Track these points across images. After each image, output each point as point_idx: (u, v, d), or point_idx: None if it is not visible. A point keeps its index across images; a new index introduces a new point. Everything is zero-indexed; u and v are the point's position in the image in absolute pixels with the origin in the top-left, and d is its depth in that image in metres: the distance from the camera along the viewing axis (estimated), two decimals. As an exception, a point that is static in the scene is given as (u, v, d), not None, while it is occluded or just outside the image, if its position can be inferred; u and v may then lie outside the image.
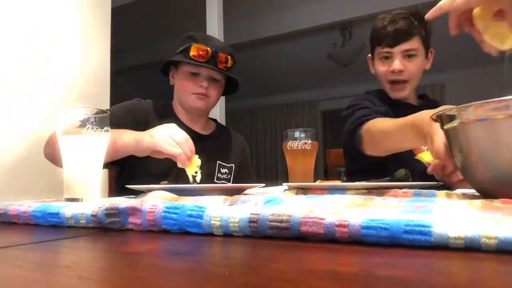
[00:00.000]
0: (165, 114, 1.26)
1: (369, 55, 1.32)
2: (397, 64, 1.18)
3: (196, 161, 0.94)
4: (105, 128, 0.68)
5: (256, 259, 0.30)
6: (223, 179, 1.30)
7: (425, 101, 1.32)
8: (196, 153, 1.13)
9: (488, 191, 0.54)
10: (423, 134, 0.76)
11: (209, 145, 1.30)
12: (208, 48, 1.19)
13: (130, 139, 0.95)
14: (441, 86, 5.16)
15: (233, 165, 1.34)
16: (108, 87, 1.90)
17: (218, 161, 1.30)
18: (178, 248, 0.34)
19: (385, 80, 1.23)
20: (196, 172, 0.93)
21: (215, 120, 1.45)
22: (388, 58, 1.21)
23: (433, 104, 1.24)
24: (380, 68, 1.23)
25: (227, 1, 2.95)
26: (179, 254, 0.32)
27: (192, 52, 1.19)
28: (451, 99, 5.20)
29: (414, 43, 1.19)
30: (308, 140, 0.97)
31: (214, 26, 2.81)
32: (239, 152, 1.40)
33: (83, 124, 0.66)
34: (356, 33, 4.16)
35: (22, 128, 1.55)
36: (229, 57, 1.24)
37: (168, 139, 0.90)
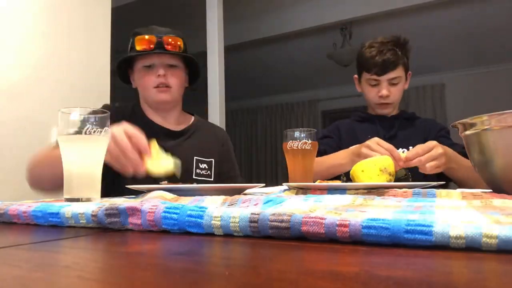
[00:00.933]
0: (135, 116, 1.20)
1: (355, 76, 1.48)
2: (384, 91, 1.36)
3: (165, 161, 0.80)
4: (105, 128, 0.68)
5: (256, 259, 0.30)
6: (203, 175, 1.25)
7: (403, 113, 1.47)
8: (169, 150, 1.11)
9: (504, 188, 0.63)
10: (357, 151, 1.09)
11: (183, 140, 1.25)
12: (151, 36, 1.16)
13: None
14: (441, 86, 5.17)
15: (213, 160, 1.28)
16: (108, 87, 1.91)
17: (195, 157, 1.24)
18: (178, 248, 0.34)
19: (372, 102, 1.42)
20: (172, 175, 0.82)
21: (193, 114, 1.38)
22: (375, 84, 1.38)
23: (408, 115, 1.44)
24: (369, 93, 1.41)
25: (227, 1, 2.95)
26: (179, 254, 0.32)
27: (137, 46, 1.16)
28: (451, 99, 5.23)
29: (398, 72, 1.35)
30: (308, 140, 0.97)
31: (214, 26, 2.81)
32: (219, 145, 1.34)
33: (83, 124, 0.65)
34: (356, 33, 4.16)
35: (22, 129, 1.55)
36: (178, 38, 1.19)
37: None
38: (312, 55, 4.65)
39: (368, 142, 1.08)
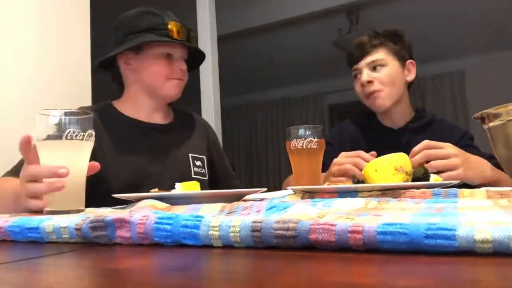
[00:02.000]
0: (107, 116, 1.19)
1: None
2: (364, 75, 1.32)
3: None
4: (89, 131, 0.67)
5: (260, 272, 0.30)
6: (199, 173, 1.25)
7: (416, 119, 1.40)
8: (162, 146, 1.10)
9: None
10: (330, 172, 1.12)
11: (174, 135, 1.26)
12: (181, 25, 1.16)
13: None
14: (461, 73, 5.17)
15: (204, 157, 1.29)
16: (89, 86, 1.90)
17: (190, 154, 1.25)
18: (173, 263, 0.34)
19: (362, 97, 1.37)
20: None
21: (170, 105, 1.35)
22: (358, 75, 1.35)
23: (423, 122, 1.37)
24: (356, 88, 1.38)
25: (219, -14, 2.95)
26: (174, 269, 0.32)
27: (173, 29, 1.14)
28: (471, 87, 5.22)
29: (377, 54, 1.32)
30: (314, 138, 0.97)
31: (205, 13, 2.81)
32: (205, 138, 1.34)
33: (63, 127, 0.65)
34: (364, 17, 4.16)
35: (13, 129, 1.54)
36: (195, 33, 1.23)
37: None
38: (316, 43, 4.64)
39: (335, 160, 1.11)
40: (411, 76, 1.38)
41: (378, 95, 1.32)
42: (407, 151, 1.28)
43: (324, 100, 6.09)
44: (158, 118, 1.25)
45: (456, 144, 1.21)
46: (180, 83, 1.21)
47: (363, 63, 1.33)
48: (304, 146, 0.96)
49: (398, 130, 1.37)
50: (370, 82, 1.31)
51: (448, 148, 1.01)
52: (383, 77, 1.31)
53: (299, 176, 0.99)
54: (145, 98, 1.22)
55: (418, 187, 0.71)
